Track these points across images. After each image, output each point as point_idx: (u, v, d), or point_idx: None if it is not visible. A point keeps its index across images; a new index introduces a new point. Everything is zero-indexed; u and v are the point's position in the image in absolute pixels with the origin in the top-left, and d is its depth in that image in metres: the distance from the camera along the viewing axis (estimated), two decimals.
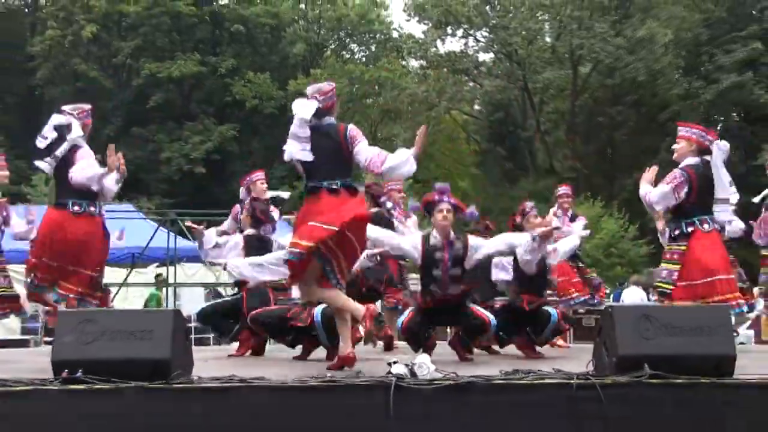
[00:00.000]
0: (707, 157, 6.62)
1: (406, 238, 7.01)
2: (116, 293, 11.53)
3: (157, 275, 15.42)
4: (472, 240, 6.85)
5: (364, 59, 38.72)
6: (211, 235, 8.24)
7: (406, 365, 4.36)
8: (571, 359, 6.27)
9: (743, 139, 32.37)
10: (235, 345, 7.99)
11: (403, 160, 5.79)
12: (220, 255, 7.85)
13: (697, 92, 32.42)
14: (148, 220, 16.40)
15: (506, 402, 4.25)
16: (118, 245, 9.25)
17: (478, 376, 4.35)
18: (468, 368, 4.66)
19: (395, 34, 39.09)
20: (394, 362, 4.41)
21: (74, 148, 6.46)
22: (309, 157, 5.68)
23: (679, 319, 4.48)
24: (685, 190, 6.51)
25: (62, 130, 6.46)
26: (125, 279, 14.52)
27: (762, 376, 4.56)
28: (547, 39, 36.57)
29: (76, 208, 6.43)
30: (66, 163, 6.42)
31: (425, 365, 4.38)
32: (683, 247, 6.70)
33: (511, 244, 7.00)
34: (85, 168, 6.36)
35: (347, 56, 38.64)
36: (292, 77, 35.30)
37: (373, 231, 6.65)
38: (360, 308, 5.48)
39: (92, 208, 6.54)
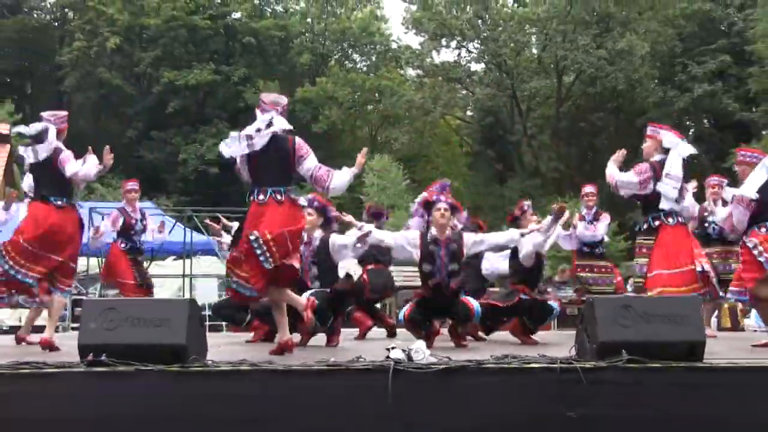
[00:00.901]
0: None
1: (405, 234, 7.02)
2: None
3: None
4: (468, 236, 6.85)
5: (365, 68, 38.70)
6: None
7: (404, 350, 4.36)
8: (555, 345, 6.28)
9: (713, 145, 32.45)
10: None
11: (346, 180, 5.84)
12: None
13: (672, 100, 32.44)
14: (167, 216, 16.37)
15: (496, 384, 4.25)
16: (159, 237, 9.46)
17: (470, 361, 4.35)
18: (461, 353, 4.66)
19: (394, 46, 39.08)
20: (392, 348, 4.41)
21: (57, 151, 6.51)
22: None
23: (654, 309, 4.49)
24: (651, 185, 6.49)
25: (40, 135, 6.51)
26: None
27: (730, 359, 4.58)
28: (534, 51, 36.57)
29: (59, 202, 6.48)
30: (49, 163, 6.50)
31: (421, 350, 4.38)
32: (651, 241, 6.70)
33: (510, 239, 7.03)
34: (90, 167, 6.42)
35: (350, 66, 38.61)
36: (299, 85, 35.32)
37: (375, 232, 6.81)
38: (300, 300, 5.62)
39: (71, 203, 6.65)
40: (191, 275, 14.77)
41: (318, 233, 7.14)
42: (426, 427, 4.13)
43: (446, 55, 37.60)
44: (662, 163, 6.55)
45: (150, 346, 4.23)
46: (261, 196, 5.51)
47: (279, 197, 5.49)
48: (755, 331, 9.20)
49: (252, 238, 5.27)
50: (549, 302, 7.22)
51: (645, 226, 6.77)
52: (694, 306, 4.64)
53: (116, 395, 4.13)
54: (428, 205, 6.82)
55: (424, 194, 7.43)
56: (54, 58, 36.89)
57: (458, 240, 6.68)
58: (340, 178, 5.80)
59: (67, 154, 6.50)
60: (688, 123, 35.66)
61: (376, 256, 8.43)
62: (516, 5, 36.32)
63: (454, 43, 36.91)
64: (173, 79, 34.00)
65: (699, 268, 6.48)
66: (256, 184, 5.61)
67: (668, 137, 6.69)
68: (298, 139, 5.78)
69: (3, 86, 36.78)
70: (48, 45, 38.09)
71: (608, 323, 4.37)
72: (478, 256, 7.65)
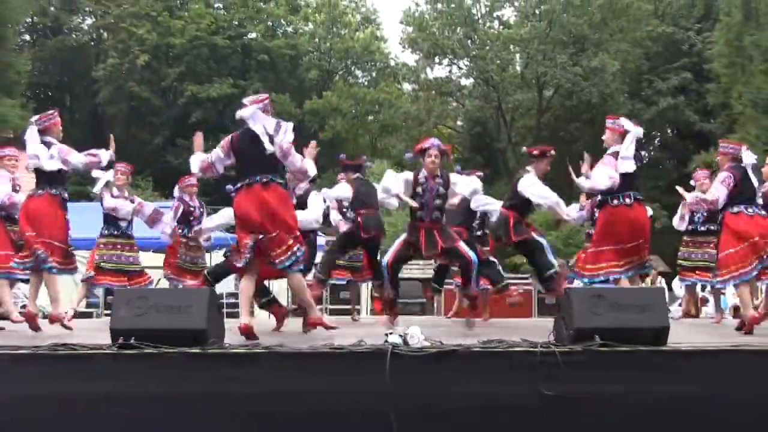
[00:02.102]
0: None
1: (401, 175, 7.04)
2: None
3: None
4: (453, 177, 6.99)
5: (366, 83, 38.66)
6: None
7: (400, 335, 4.35)
8: (535, 331, 6.26)
9: (677, 152, 32.59)
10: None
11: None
12: None
13: (640, 112, 32.42)
14: None
15: (483, 366, 4.26)
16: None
17: (460, 345, 4.35)
18: (452, 338, 4.65)
19: (392, 63, 39.02)
20: (390, 333, 4.41)
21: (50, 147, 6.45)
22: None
23: (624, 298, 4.49)
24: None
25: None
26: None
27: (691, 344, 4.58)
28: (518, 67, 36.53)
29: (53, 191, 6.45)
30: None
31: (416, 335, 4.37)
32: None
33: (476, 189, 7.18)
34: (78, 157, 6.50)
35: (353, 81, 38.57)
36: (308, 98, 35.30)
37: (384, 183, 6.94)
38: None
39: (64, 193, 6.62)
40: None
41: (304, 186, 6.93)
42: (420, 404, 4.12)
43: (439, 71, 37.66)
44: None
45: (174, 330, 4.22)
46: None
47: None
48: (712, 318, 9.21)
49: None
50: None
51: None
52: (660, 296, 4.65)
53: (143, 374, 4.12)
54: (422, 151, 6.83)
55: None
56: (90, 74, 36.88)
57: (445, 180, 6.80)
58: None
59: (63, 148, 6.50)
60: (654, 133, 35.73)
61: (364, 201, 8.34)
62: (501, 27, 36.29)
63: (446, 61, 36.96)
64: (196, 92, 34.02)
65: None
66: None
67: (627, 122, 6.70)
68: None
69: (45, 99, 36.79)
70: (85, 62, 38.09)
71: (583, 312, 4.37)
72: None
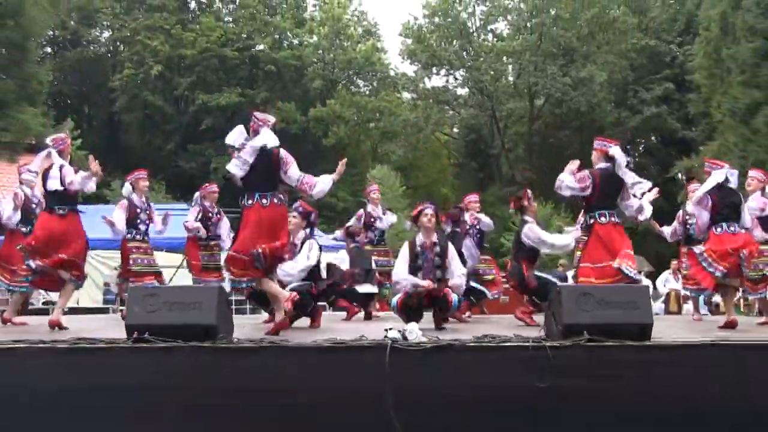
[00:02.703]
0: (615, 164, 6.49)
1: (400, 258, 6.59)
2: (174, 274, 11.47)
3: None
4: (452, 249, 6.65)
5: (368, 92, 38.66)
6: None
7: (399, 331, 4.35)
8: (527, 327, 6.26)
9: (660, 158, 32.62)
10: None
11: (327, 185, 5.84)
12: None
13: (625, 120, 32.60)
14: None
15: (477, 360, 4.25)
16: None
17: (455, 340, 4.34)
18: (447, 334, 4.65)
19: (392, 73, 39.01)
20: (390, 329, 4.40)
21: (61, 168, 6.47)
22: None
23: (610, 296, 4.49)
24: (589, 188, 6.34)
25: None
26: (181, 263, 14.46)
27: (673, 339, 4.58)
28: (510, 78, 36.58)
29: (61, 211, 6.46)
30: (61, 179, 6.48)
31: (414, 331, 4.37)
32: (585, 237, 6.66)
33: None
34: (83, 178, 6.39)
35: (355, 90, 38.57)
36: (312, 106, 35.29)
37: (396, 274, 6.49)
38: (284, 293, 5.47)
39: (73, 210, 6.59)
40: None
41: (301, 234, 6.86)
42: (417, 395, 4.12)
43: (436, 81, 37.70)
44: (603, 170, 6.48)
45: (185, 326, 4.22)
46: (249, 201, 5.48)
47: (265, 201, 5.45)
48: (693, 315, 9.22)
49: (255, 253, 5.25)
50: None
51: (583, 224, 6.77)
52: (644, 294, 4.64)
53: (156, 367, 4.12)
54: (417, 215, 6.61)
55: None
56: (107, 84, 36.91)
57: (444, 244, 6.48)
58: (323, 184, 5.78)
59: (67, 169, 6.50)
60: (638, 140, 35.84)
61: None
62: (495, 40, 36.34)
63: (443, 71, 37.02)
64: (206, 100, 34.05)
65: (616, 265, 6.33)
66: (247, 190, 5.57)
67: (616, 151, 6.64)
68: (282, 151, 5.73)
69: (65, 107, 36.88)
70: (102, 73, 38.12)
71: (572, 308, 4.37)
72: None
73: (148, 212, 8.09)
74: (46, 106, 22.21)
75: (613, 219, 6.34)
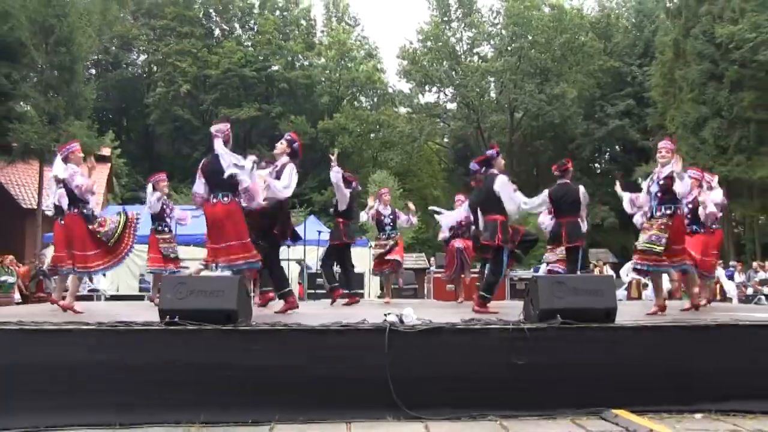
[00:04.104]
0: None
1: None
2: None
3: None
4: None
5: (369, 107, 38.69)
6: None
7: (397, 315, 4.34)
8: (508, 311, 6.26)
9: (622, 164, 32.65)
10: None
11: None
12: None
13: (593, 132, 32.67)
14: None
15: (465, 340, 4.24)
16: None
17: (446, 323, 4.33)
18: (439, 317, 4.64)
19: (390, 90, 39.07)
20: (388, 313, 4.39)
21: (73, 175, 6.27)
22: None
23: (580, 284, 4.47)
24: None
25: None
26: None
27: (634, 321, 4.58)
28: (493, 94, 36.62)
29: (75, 210, 6.29)
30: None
31: (410, 315, 4.36)
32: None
33: None
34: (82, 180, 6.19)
35: (358, 105, 38.60)
36: (321, 119, 35.31)
37: None
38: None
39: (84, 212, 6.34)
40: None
41: (285, 159, 6.47)
42: (413, 372, 4.11)
43: (429, 97, 37.77)
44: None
45: (210, 310, 4.21)
46: (214, 199, 5.62)
47: (226, 199, 5.58)
48: (651, 300, 9.23)
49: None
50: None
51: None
52: (609, 282, 4.64)
53: (185, 346, 4.11)
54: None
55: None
56: (143, 100, 36.99)
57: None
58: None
59: (78, 177, 6.33)
60: (604, 148, 35.85)
61: (351, 213, 8.51)
62: (480, 61, 36.35)
63: (434, 89, 37.13)
64: (228, 114, 34.04)
65: None
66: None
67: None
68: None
69: (107, 121, 36.87)
70: (138, 91, 38.21)
71: (547, 295, 4.36)
72: None
73: (170, 208, 8.30)
74: (90, 120, 22.30)
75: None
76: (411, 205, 9.87)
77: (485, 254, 6.99)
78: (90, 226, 6.30)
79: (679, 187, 5.77)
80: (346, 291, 8.21)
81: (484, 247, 6.55)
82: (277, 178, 6.19)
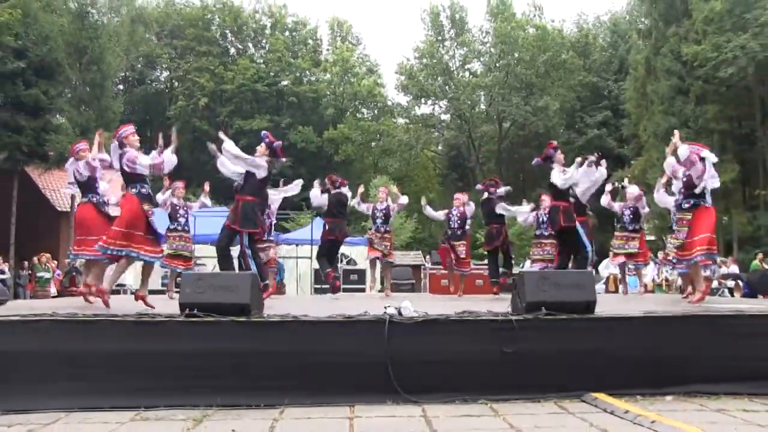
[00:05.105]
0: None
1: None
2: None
3: None
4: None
5: (370, 118, 38.69)
6: None
7: (396, 308, 4.34)
8: (497, 304, 6.25)
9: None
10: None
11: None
12: None
13: (574, 140, 32.62)
14: None
15: (458, 330, 4.23)
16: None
17: (441, 315, 4.32)
18: (434, 309, 4.63)
19: (389, 103, 39.08)
20: (388, 306, 4.38)
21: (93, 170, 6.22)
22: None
23: (563, 279, 4.48)
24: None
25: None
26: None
27: (613, 313, 4.57)
28: (483, 106, 36.61)
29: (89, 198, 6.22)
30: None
31: (408, 308, 4.35)
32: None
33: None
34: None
35: (360, 116, 38.60)
36: (326, 129, 35.31)
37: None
38: None
39: (93, 199, 6.25)
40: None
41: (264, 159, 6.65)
42: (410, 360, 4.10)
43: (424, 109, 37.76)
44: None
45: (226, 304, 4.20)
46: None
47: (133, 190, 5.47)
48: (634, 291, 9.23)
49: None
50: None
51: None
52: (589, 277, 4.63)
53: (203, 336, 4.10)
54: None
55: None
56: (165, 113, 36.97)
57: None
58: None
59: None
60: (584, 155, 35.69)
61: (333, 212, 8.58)
62: (471, 76, 36.37)
63: (429, 102, 37.12)
64: (242, 125, 34.09)
65: None
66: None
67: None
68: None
69: None
70: (161, 104, 38.19)
71: (533, 289, 4.36)
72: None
73: (185, 208, 8.43)
74: None
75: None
76: (394, 188, 10.11)
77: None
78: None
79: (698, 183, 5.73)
80: (335, 274, 8.80)
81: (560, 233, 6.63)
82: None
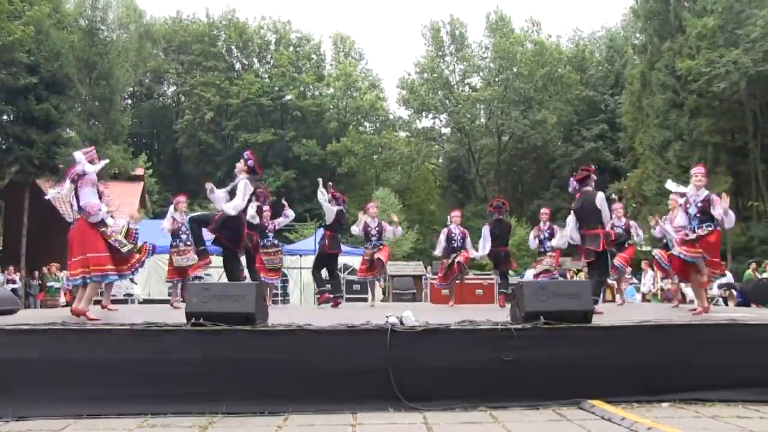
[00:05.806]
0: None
1: None
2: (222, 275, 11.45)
3: None
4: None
5: (372, 131, 38.79)
6: None
7: (397, 317, 4.34)
8: (497, 313, 6.24)
9: (596, 183, 32.54)
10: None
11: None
12: None
13: (571, 153, 32.68)
14: None
15: (459, 339, 4.24)
16: None
17: (441, 324, 4.33)
18: (435, 318, 4.64)
19: (391, 116, 39.20)
20: (390, 315, 4.39)
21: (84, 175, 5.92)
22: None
23: (561, 289, 4.49)
24: None
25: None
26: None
27: (610, 322, 4.57)
28: (482, 120, 36.70)
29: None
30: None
31: (410, 317, 4.36)
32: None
33: None
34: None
35: (362, 130, 38.70)
36: (329, 142, 35.37)
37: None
38: None
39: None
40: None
41: (242, 176, 6.68)
42: (412, 368, 4.10)
43: (425, 122, 37.88)
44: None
45: (231, 313, 4.21)
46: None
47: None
48: (621, 302, 9.24)
49: None
50: None
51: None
52: (586, 287, 4.64)
53: (209, 345, 4.11)
54: None
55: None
56: (172, 126, 37.12)
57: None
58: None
59: (87, 178, 6.08)
60: (580, 169, 35.69)
61: (334, 226, 8.67)
62: (470, 90, 36.51)
63: (430, 115, 37.21)
64: (247, 138, 34.16)
65: None
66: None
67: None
68: None
69: (140, 145, 37.09)
70: (168, 118, 38.34)
71: (531, 299, 4.36)
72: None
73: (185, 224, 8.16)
74: (126, 144, 22.62)
75: None
76: (395, 217, 9.95)
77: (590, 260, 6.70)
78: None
79: (715, 212, 5.83)
80: (332, 295, 8.49)
81: (590, 253, 6.47)
82: (232, 193, 6.44)
